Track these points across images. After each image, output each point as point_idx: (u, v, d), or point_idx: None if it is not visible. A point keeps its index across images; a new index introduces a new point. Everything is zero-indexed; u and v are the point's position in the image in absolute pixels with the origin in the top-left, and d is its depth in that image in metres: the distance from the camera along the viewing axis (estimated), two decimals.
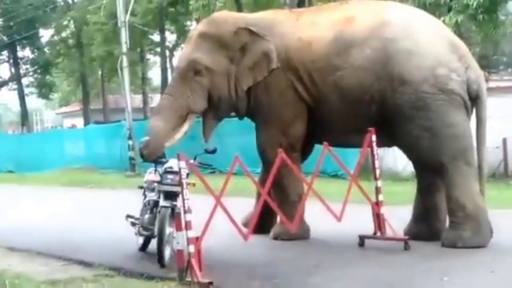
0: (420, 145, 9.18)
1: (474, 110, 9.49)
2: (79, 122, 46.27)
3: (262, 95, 10.06)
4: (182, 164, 7.68)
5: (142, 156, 9.50)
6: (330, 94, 9.63)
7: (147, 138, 9.41)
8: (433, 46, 9.35)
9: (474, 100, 9.36)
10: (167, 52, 39.95)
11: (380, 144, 9.45)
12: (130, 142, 25.91)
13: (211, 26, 10.37)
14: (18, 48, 45.80)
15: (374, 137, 9.17)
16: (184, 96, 9.99)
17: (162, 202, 8.55)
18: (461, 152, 9.10)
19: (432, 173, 9.43)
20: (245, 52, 10.04)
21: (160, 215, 8.47)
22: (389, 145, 10.21)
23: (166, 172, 8.63)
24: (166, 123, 9.75)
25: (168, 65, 38.88)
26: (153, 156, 9.24)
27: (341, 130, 9.79)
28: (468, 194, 8.97)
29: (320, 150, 9.24)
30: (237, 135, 20.06)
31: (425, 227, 9.50)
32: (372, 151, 9.27)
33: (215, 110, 10.24)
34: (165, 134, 9.66)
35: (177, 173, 7.97)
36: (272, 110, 10.01)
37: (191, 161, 8.25)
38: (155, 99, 43.00)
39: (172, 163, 8.58)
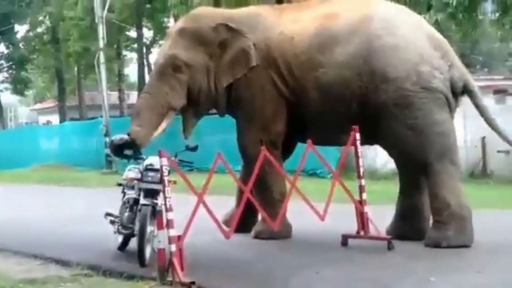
0: (405, 143, 9.09)
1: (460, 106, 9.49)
2: (54, 118, 45.90)
3: (243, 91, 9.92)
4: (164, 161, 7.54)
5: (115, 151, 9.34)
6: (311, 90, 9.51)
7: (123, 136, 9.22)
8: (415, 43, 9.25)
9: (458, 97, 9.33)
10: (144, 49, 39.73)
11: (362, 142, 9.33)
12: (107, 139, 25.64)
13: (190, 22, 10.25)
14: None
15: (358, 135, 9.05)
16: (162, 93, 9.85)
17: (142, 200, 8.39)
18: (446, 151, 9.03)
19: (416, 171, 9.34)
20: (224, 49, 9.92)
21: (141, 213, 8.31)
22: (370, 143, 10.09)
23: (147, 169, 8.48)
24: (146, 125, 9.61)
25: (145, 61, 38.63)
26: (143, 143, 9.16)
27: (323, 127, 9.66)
28: (453, 193, 8.89)
29: (298, 148, 9.15)
30: (217, 133, 19.92)
31: (408, 227, 9.39)
32: (356, 149, 9.16)
33: (195, 106, 10.11)
34: (147, 134, 9.55)
35: (158, 170, 7.83)
36: (252, 106, 9.88)
37: (172, 158, 8.10)
38: (132, 96, 42.90)
39: (152, 160, 8.42)
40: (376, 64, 9.15)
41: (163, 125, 9.83)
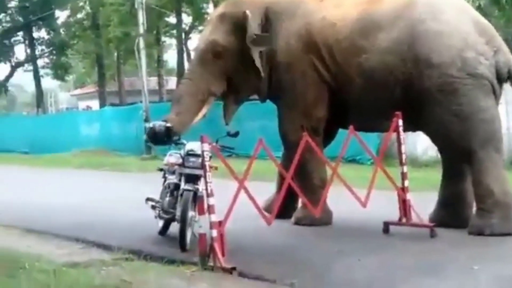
0: (449, 130, 8.95)
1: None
2: (94, 104, 46.21)
3: (284, 77, 9.87)
4: (205, 146, 7.52)
5: (153, 138, 9.32)
6: (353, 76, 9.42)
7: (161, 123, 9.19)
8: (460, 28, 9.10)
9: (502, 84, 9.19)
10: (183, 35, 39.73)
11: (404, 128, 9.22)
12: (146, 125, 25.64)
13: (230, 7, 10.23)
14: (34, 29, 45.68)
15: (401, 122, 8.94)
16: (203, 79, 9.88)
17: (184, 185, 8.39)
18: (491, 138, 8.89)
19: (459, 159, 9.20)
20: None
21: (182, 198, 8.31)
22: (413, 129, 9.96)
23: (188, 155, 8.46)
24: (186, 111, 9.67)
25: (184, 47, 38.66)
26: (181, 131, 9.14)
27: (365, 113, 9.56)
28: (498, 180, 8.75)
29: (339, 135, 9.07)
30: (257, 119, 19.89)
31: (451, 214, 9.26)
32: (398, 136, 9.05)
33: (235, 92, 10.09)
34: (185, 121, 9.62)
35: (199, 156, 7.82)
36: (294, 92, 9.82)
37: (213, 144, 8.08)
38: (171, 82, 43.01)
39: (193, 145, 8.42)
40: (420, 50, 9.03)
41: (203, 111, 9.86)
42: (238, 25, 9.87)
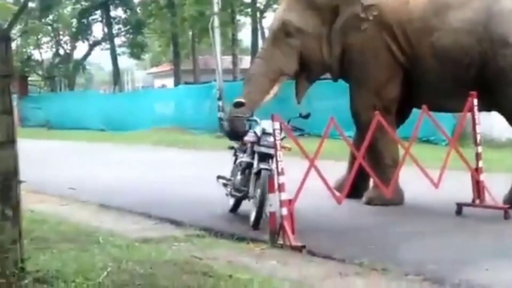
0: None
1: None
2: (169, 82, 46.62)
3: (356, 56, 9.84)
4: (276, 125, 7.53)
5: (231, 134, 9.42)
6: (426, 56, 9.34)
7: (241, 100, 9.21)
8: None
9: None
10: (258, 14, 39.69)
11: (479, 108, 9.05)
12: (220, 103, 25.87)
13: None
14: (111, 8, 46.29)
15: (476, 102, 8.79)
16: (275, 59, 9.95)
17: (260, 165, 8.33)
18: None
19: None
20: (336, 14, 9.88)
21: (261, 178, 8.23)
22: (488, 109, 9.79)
23: (265, 133, 8.40)
24: (257, 91, 9.75)
25: (258, 26, 38.63)
26: (252, 109, 9.17)
27: (438, 93, 9.47)
28: None
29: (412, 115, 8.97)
30: (328, 98, 19.76)
31: None
32: (473, 116, 8.91)
33: (307, 72, 10.12)
34: (256, 100, 9.68)
35: None
36: (366, 71, 9.79)
37: (285, 123, 8.07)
38: (245, 61, 43.04)
39: (265, 124, 8.41)
40: (496, 30, 8.91)
41: (274, 90, 9.92)
42: (310, 5, 9.91)
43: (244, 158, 8.86)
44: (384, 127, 8.68)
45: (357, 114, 9.97)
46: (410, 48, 9.52)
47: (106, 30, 46.92)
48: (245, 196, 8.75)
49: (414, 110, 9.95)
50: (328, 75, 10.55)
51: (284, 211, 7.32)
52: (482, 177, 8.87)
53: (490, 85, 8.93)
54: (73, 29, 47.51)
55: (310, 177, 7.70)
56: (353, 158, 9.50)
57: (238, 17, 43.50)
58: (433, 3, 9.36)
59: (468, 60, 9.08)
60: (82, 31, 46.91)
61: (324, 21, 9.93)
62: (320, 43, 9.92)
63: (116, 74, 46.66)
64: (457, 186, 9.35)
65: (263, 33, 36.33)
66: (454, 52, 9.14)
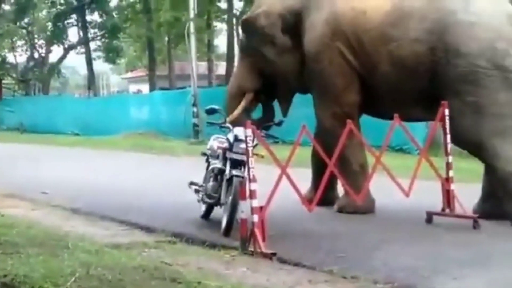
0: (459, 120, 8.94)
1: None
2: (145, 87, 46.55)
3: (314, 66, 10.06)
4: (249, 132, 7.55)
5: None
6: (383, 64, 9.51)
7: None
8: (493, 19, 9.15)
9: None
10: (234, 20, 39.72)
11: (431, 118, 9.17)
12: (195, 109, 25.87)
13: (253, 7, 10.96)
14: (87, 12, 46.07)
15: (447, 111, 8.86)
16: (237, 76, 10.78)
17: (232, 171, 8.32)
18: (501, 132, 8.88)
19: (469, 152, 9.38)
20: (285, 32, 10.26)
21: (233, 185, 8.20)
22: (430, 119, 9.93)
23: (237, 140, 8.41)
24: (229, 107, 10.37)
25: (234, 32, 38.68)
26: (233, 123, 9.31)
27: (395, 101, 9.63)
28: None
29: (385, 124, 9.05)
30: (301, 106, 19.80)
31: (494, 206, 9.14)
32: (444, 125, 8.97)
33: (276, 89, 10.52)
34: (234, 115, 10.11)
35: None
36: (323, 79, 9.99)
37: (258, 131, 8.09)
38: (220, 67, 43.07)
39: (238, 131, 8.42)
40: (450, 40, 9.08)
41: (242, 104, 10.31)
42: (251, 26, 10.44)
43: (216, 164, 8.86)
44: (350, 134, 8.72)
45: (320, 122, 10.18)
46: (366, 56, 9.65)
47: (81, 34, 46.73)
48: (217, 203, 8.75)
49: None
50: None
51: (255, 218, 7.33)
52: (453, 186, 8.93)
53: (439, 95, 9.05)
54: (48, 33, 47.22)
55: (282, 184, 7.71)
56: (318, 166, 9.71)
57: (214, 23, 43.60)
58: (391, 13, 9.49)
59: (422, 69, 9.23)
60: (57, 35, 46.63)
61: (272, 42, 10.28)
62: (276, 60, 10.27)
63: (91, 78, 46.45)
64: (427, 195, 9.42)
65: (239, 40, 36.34)
66: (410, 60, 9.29)
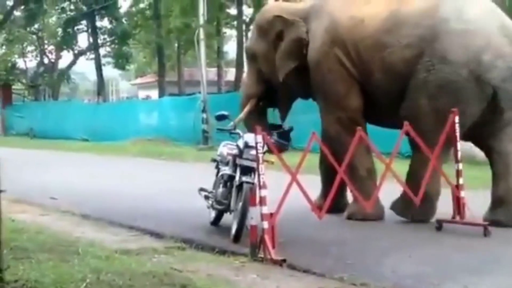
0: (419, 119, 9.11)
1: None
2: (154, 93, 46.62)
3: (315, 74, 10.18)
4: (259, 138, 7.55)
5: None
6: (377, 70, 9.59)
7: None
8: (484, 28, 9.17)
9: None
10: (244, 26, 39.79)
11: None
12: (204, 115, 25.90)
13: (258, 15, 11.38)
14: (97, 18, 46.25)
15: (457, 119, 8.84)
16: (244, 83, 11.37)
17: (242, 178, 8.31)
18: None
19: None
20: (281, 39, 10.39)
21: (244, 190, 8.19)
22: None
23: (248, 146, 8.39)
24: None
25: (244, 39, 38.71)
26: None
27: (387, 108, 9.69)
28: None
29: (393, 131, 9.07)
30: (311, 112, 19.79)
31: (504, 213, 9.14)
32: (454, 133, 8.94)
33: (277, 94, 10.71)
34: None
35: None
36: (325, 86, 10.11)
37: (268, 137, 8.09)
38: (230, 73, 43.14)
39: (248, 138, 8.41)
40: (439, 46, 9.12)
41: (246, 109, 10.61)
42: (261, 32, 10.74)
43: (226, 171, 8.85)
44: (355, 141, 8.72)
45: (325, 128, 10.25)
46: (363, 64, 9.72)
47: (91, 40, 46.88)
48: (227, 209, 8.75)
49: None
50: None
51: (265, 224, 7.32)
52: (463, 193, 8.91)
53: (410, 94, 9.26)
54: (58, 38, 47.45)
55: (292, 191, 7.71)
56: (327, 173, 9.88)
57: (224, 29, 43.68)
58: (387, 20, 9.52)
59: (410, 74, 9.28)
60: (67, 41, 46.87)
61: (274, 47, 10.47)
62: (272, 66, 10.43)
63: (101, 84, 46.59)
64: (439, 203, 9.39)
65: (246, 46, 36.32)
66: (399, 67, 9.35)
